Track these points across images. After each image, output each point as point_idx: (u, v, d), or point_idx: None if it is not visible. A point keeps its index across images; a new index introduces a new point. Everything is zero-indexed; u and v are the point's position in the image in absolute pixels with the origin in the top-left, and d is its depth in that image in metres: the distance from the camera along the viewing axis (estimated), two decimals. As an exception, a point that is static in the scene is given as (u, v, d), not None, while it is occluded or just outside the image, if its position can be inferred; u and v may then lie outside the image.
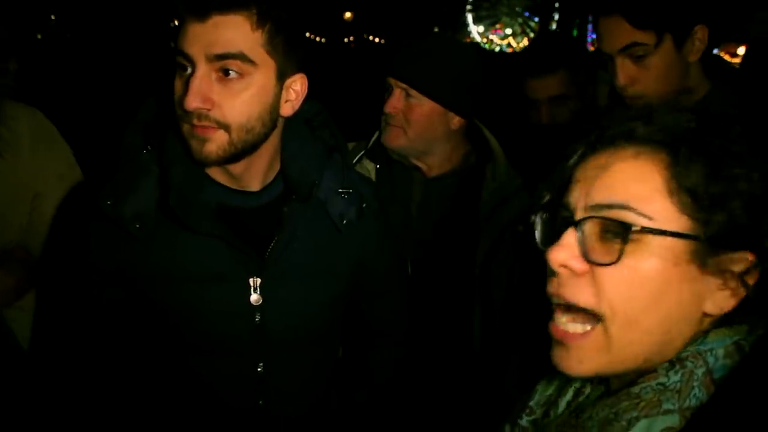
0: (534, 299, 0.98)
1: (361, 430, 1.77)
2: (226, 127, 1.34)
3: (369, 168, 2.13)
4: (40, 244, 1.96)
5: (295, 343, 1.55)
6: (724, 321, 0.88)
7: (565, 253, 0.89)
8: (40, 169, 1.94)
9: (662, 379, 0.86)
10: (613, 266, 0.86)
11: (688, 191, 0.84)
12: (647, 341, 0.87)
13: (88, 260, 1.47)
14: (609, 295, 0.87)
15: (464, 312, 2.09)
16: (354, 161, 2.13)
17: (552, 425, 1.02)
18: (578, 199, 0.92)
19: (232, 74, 1.32)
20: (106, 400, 1.51)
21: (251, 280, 1.48)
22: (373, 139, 2.17)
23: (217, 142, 1.34)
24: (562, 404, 1.04)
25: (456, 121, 2.09)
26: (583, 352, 0.89)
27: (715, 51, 1.90)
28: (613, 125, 0.93)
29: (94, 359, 1.53)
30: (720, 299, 0.87)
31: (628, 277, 0.86)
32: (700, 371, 0.85)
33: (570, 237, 0.89)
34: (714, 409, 0.83)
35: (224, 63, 1.31)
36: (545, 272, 0.94)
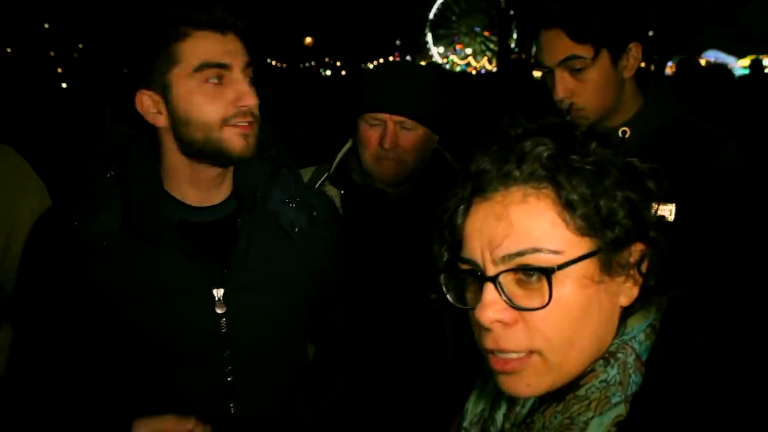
0: None
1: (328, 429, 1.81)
2: (257, 120, 1.55)
3: (333, 194, 2.15)
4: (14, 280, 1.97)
5: (261, 349, 1.61)
6: (630, 306, 0.97)
7: (493, 309, 0.91)
8: (13, 204, 1.95)
9: (603, 376, 0.93)
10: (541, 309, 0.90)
11: (580, 216, 0.90)
12: (585, 354, 0.94)
13: (59, 277, 1.54)
14: (544, 332, 0.92)
15: (437, 325, 2.13)
16: (316, 186, 2.18)
17: None
18: (483, 253, 0.93)
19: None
20: (85, 413, 1.54)
21: (215, 291, 1.56)
22: (335, 164, 2.20)
23: (255, 136, 1.54)
24: (499, 418, 1.07)
25: (435, 140, 2.15)
26: (529, 377, 0.93)
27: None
28: (485, 173, 0.95)
29: (72, 373, 1.57)
30: (627, 291, 0.96)
31: (557, 310, 0.90)
32: (630, 359, 0.94)
33: (491, 293, 0.91)
34: (648, 387, 0.92)
35: (250, 68, 1.54)
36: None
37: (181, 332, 1.55)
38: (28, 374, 1.61)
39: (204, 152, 1.52)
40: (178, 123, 1.51)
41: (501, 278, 0.91)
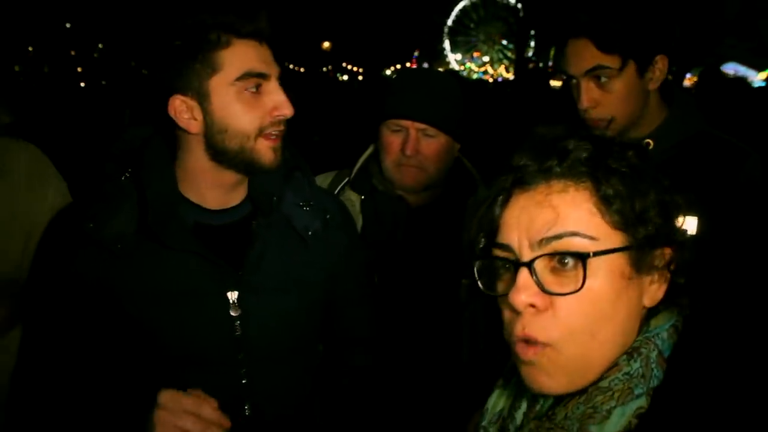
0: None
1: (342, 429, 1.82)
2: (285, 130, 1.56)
3: (353, 199, 2.18)
4: None
5: (276, 351, 1.62)
6: (654, 308, 1.00)
7: (526, 293, 0.94)
8: (35, 202, 1.96)
9: (626, 369, 0.95)
10: (572, 294, 0.92)
11: (616, 212, 0.94)
12: (608, 348, 0.96)
13: (72, 279, 1.53)
14: (568, 320, 0.94)
15: (452, 329, 2.13)
16: (336, 191, 2.19)
17: None
18: (520, 239, 0.96)
19: None
20: (95, 415, 1.54)
21: (229, 294, 1.56)
22: (356, 169, 2.21)
23: (281, 148, 1.56)
24: (519, 416, 1.08)
25: (457, 148, 2.16)
26: (551, 368, 0.95)
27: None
28: (527, 167, 0.99)
29: (82, 374, 1.57)
30: (653, 292, 0.99)
31: (587, 300, 0.93)
32: (653, 354, 0.96)
33: (525, 277, 0.94)
34: (669, 382, 0.95)
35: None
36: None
37: (194, 335, 1.55)
38: (35, 376, 1.61)
39: (235, 160, 1.53)
40: (213, 130, 1.51)
41: (536, 264, 0.94)
